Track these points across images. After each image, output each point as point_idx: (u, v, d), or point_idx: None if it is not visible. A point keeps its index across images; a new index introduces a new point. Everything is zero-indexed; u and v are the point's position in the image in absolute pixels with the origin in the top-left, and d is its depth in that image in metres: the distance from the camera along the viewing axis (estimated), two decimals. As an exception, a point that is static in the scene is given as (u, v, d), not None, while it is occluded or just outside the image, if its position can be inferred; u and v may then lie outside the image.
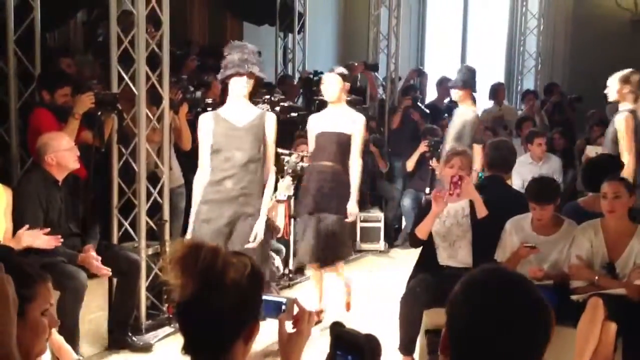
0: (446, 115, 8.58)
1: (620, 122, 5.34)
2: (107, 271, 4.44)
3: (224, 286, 1.71)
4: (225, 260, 1.74)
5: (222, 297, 1.71)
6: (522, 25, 11.74)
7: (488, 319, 1.44)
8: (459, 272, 3.71)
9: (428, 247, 4.37)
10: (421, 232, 4.27)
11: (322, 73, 9.14)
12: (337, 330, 1.50)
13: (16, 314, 1.55)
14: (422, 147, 7.50)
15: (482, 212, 4.28)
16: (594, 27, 11.00)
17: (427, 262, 4.36)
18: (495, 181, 5.05)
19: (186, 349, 1.77)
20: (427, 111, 8.72)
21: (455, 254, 4.34)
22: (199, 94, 5.62)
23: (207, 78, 6.42)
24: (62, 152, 4.35)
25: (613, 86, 5.48)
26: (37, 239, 4.11)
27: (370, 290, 6.14)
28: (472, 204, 4.30)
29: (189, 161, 5.77)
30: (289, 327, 1.83)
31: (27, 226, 4.12)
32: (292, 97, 7.90)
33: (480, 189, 4.50)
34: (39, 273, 2.09)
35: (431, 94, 9.90)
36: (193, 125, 5.92)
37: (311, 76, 8.44)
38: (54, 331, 4.08)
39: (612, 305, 3.81)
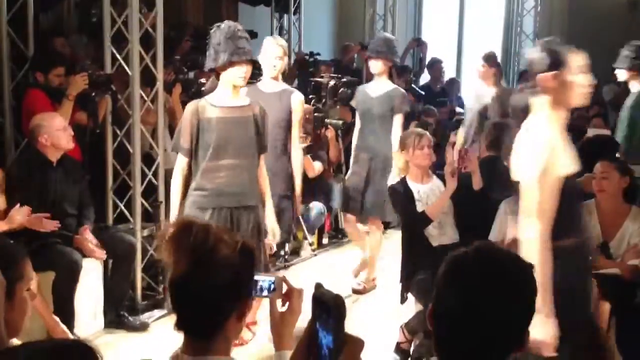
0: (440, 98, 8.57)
1: None
2: (100, 254, 4.44)
3: (216, 263, 1.72)
4: (217, 237, 1.74)
5: (213, 274, 1.71)
6: (519, 6, 11.68)
7: (469, 299, 1.46)
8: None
9: (414, 233, 4.34)
10: (434, 213, 4.22)
11: (318, 54, 9.14)
12: (316, 292, 1.53)
13: (4, 296, 1.55)
14: (420, 129, 7.47)
15: (478, 184, 4.32)
16: (591, 7, 10.95)
17: (419, 249, 4.31)
18: (493, 162, 5.05)
19: (179, 326, 1.77)
20: (422, 92, 8.70)
21: (444, 231, 4.34)
22: (192, 74, 5.58)
23: (201, 59, 6.37)
24: (56, 133, 4.33)
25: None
26: (32, 219, 4.10)
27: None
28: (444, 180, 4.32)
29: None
30: (279, 306, 1.83)
31: (18, 205, 4.10)
32: (288, 79, 7.86)
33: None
34: (20, 251, 2.11)
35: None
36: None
37: (307, 57, 8.40)
38: (50, 312, 4.12)
39: (606, 285, 3.82)
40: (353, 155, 5.71)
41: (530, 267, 1.54)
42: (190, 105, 4.00)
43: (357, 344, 1.48)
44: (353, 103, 5.80)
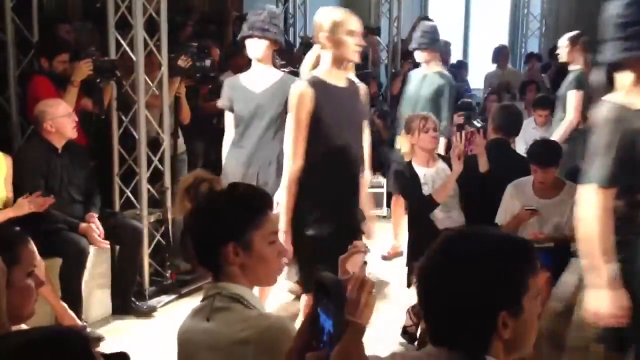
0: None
1: None
2: (104, 244, 4.46)
3: (201, 202, 1.94)
4: (210, 182, 1.97)
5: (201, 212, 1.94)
6: (527, -13, 11.62)
7: (443, 282, 1.48)
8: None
9: (420, 217, 4.33)
10: (440, 196, 4.20)
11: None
12: (317, 276, 1.52)
13: (5, 283, 1.55)
14: (425, 112, 7.45)
15: (484, 166, 4.32)
16: (599, -13, 10.85)
17: (425, 232, 4.30)
18: (500, 145, 5.03)
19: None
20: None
21: (451, 214, 4.32)
22: (208, 62, 5.45)
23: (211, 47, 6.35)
24: (60, 119, 4.34)
25: None
26: (38, 204, 4.13)
27: (372, 255, 6.16)
28: (450, 163, 4.29)
29: (192, 129, 5.76)
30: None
31: (27, 194, 4.12)
32: (293, 63, 7.84)
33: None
34: (18, 235, 2.11)
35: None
36: (195, 92, 5.90)
37: (312, 42, 8.35)
38: (58, 298, 4.15)
39: (613, 267, 3.80)
40: None
41: (508, 246, 1.53)
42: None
43: (358, 329, 1.48)
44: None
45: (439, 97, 5.77)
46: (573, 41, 5.96)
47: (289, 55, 8.12)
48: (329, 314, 1.44)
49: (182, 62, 5.21)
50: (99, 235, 4.41)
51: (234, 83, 4.45)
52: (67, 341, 1.27)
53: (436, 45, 5.97)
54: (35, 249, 2.10)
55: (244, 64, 6.37)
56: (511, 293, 1.47)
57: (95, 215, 4.50)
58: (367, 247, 1.87)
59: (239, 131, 4.37)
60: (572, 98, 5.90)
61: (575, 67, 6.02)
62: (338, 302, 1.43)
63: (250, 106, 4.31)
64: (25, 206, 4.09)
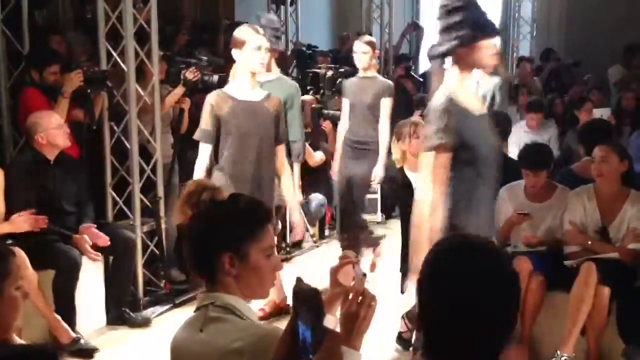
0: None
1: None
2: (96, 256, 4.45)
3: (202, 210, 1.93)
4: (212, 191, 1.96)
5: (199, 220, 1.93)
6: (517, -9, 11.65)
7: (446, 292, 1.43)
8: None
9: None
10: None
11: (316, 47, 9.12)
12: (296, 286, 1.52)
13: None
14: (416, 117, 7.44)
15: None
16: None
17: None
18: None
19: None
20: (421, 80, 8.66)
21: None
22: (215, 78, 5.31)
23: (197, 53, 6.36)
24: (52, 131, 4.33)
25: None
26: (34, 223, 4.13)
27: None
28: None
29: (184, 138, 5.75)
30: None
31: (23, 212, 4.13)
32: (285, 70, 7.86)
33: None
34: (8, 248, 2.15)
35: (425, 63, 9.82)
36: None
37: (304, 49, 8.38)
38: (51, 310, 4.13)
39: (606, 270, 3.82)
40: None
41: (507, 256, 1.51)
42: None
43: (336, 339, 1.48)
44: None
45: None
46: None
47: (282, 61, 8.14)
48: (307, 324, 1.44)
49: (190, 74, 5.19)
50: (91, 247, 4.40)
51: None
52: (36, 358, 1.27)
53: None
54: (23, 262, 2.13)
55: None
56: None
57: (93, 226, 4.49)
58: (357, 257, 1.85)
59: None
60: None
61: None
62: (315, 312, 1.43)
63: None
64: (22, 224, 4.09)
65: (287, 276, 4.92)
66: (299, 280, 1.55)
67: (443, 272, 1.45)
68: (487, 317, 1.41)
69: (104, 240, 4.46)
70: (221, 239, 1.89)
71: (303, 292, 1.45)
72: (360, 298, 1.57)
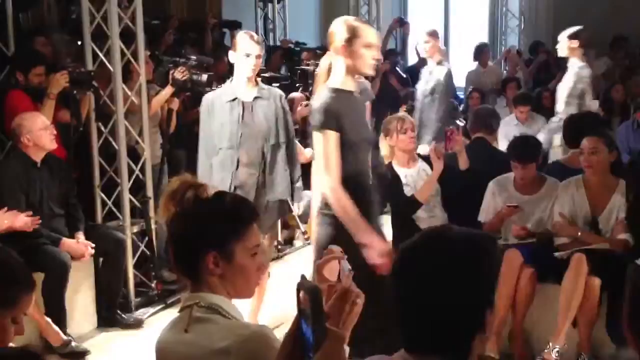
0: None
1: None
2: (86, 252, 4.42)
3: (186, 208, 1.89)
4: (197, 189, 1.91)
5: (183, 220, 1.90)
6: (505, -15, 11.66)
7: (416, 286, 1.43)
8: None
9: (404, 218, 4.33)
10: (423, 196, 4.21)
11: (304, 44, 9.08)
12: (298, 284, 1.50)
13: None
14: (402, 113, 7.43)
15: (465, 163, 4.35)
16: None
17: (409, 233, 4.30)
18: (480, 142, 5.10)
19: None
20: (405, 76, 8.63)
21: (434, 213, 4.34)
22: (204, 77, 5.27)
23: (183, 51, 6.33)
24: (38, 132, 4.30)
25: None
26: (17, 220, 4.07)
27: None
28: (430, 163, 4.31)
29: (173, 137, 5.73)
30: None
31: (5, 208, 4.08)
32: (273, 68, 7.84)
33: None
34: (27, 281, 2.00)
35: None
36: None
37: (291, 45, 8.35)
38: (42, 313, 4.10)
39: (596, 261, 3.82)
40: None
41: (487, 245, 1.49)
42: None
43: (337, 338, 1.46)
44: None
45: None
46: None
47: (270, 59, 8.12)
48: (308, 322, 1.43)
49: (179, 74, 5.16)
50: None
51: None
52: None
53: None
54: (33, 299, 2.05)
55: (224, 71, 6.37)
56: (491, 292, 1.45)
57: (82, 236, 4.47)
58: (343, 252, 1.82)
59: None
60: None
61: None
62: (315, 309, 1.42)
63: None
64: (1, 221, 4.01)
65: (278, 274, 4.96)
66: (302, 277, 1.53)
67: (409, 271, 1.45)
68: (457, 307, 1.40)
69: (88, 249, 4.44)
70: (205, 238, 1.86)
71: (305, 289, 1.44)
72: (342, 294, 1.56)
